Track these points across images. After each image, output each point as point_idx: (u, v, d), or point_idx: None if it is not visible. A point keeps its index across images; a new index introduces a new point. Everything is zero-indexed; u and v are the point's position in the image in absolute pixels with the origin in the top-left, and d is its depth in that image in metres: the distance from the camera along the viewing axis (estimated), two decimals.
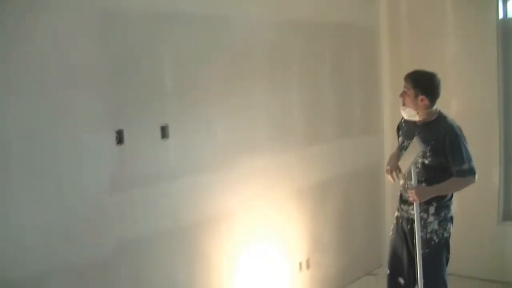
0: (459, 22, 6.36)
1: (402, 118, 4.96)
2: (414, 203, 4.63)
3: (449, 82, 5.99)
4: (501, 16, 6.16)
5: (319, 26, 5.98)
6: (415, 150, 4.53)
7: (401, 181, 4.87)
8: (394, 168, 4.88)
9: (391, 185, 5.06)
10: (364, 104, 6.64)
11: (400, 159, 4.84)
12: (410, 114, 4.73)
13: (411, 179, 4.63)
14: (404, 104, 4.74)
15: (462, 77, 6.28)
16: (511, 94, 6.24)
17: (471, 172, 4.61)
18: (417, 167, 4.66)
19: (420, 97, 4.64)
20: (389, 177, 4.94)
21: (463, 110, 6.17)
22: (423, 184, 4.65)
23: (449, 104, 6.10)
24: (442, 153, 4.61)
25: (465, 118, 5.87)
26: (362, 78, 6.62)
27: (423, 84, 4.67)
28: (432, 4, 6.56)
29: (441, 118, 4.71)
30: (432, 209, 4.67)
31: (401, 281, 4.93)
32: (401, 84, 4.80)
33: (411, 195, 4.61)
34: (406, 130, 4.91)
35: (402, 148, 4.87)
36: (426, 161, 4.65)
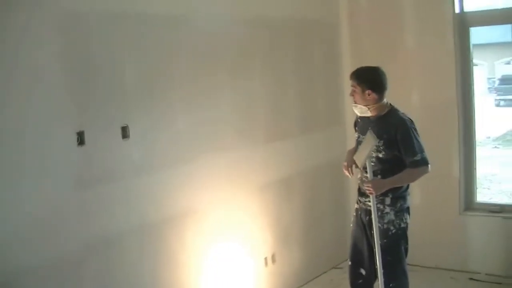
0: (417, 16, 6.46)
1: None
2: (371, 196, 4.74)
3: (409, 75, 6.11)
4: (457, 10, 6.26)
5: (281, 23, 6.06)
6: (369, 144, 4.63)
7: (359, 175, 4.96)
8: (350, 163, 4.99)
9: (354, 178, 5.16)
10: (327, 99, 6.72)
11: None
12: (362, 110, 4.84)
13: (367, 173, 4.73)
14: (355, 102, 4.85)
15: (421, 70, 6.38)
16: (469, 86, 6.34)
17: (423, 162, 4.71)
18: (372, 161, 4.75)
19: (367, 91, 4.74)
20: (346, 173, 5.05)
21: (423, 102, 6.29)
22: (379, 177, 4.75)
23: (409, 97, 6.23)
24: (395, 146, 4.71)
25: (425, 110, 6.05)
26: (324, 73, 6.70)
27: (367, 79, 4.77)
28: None
29: (392, 111, 4.82)
30: (388, 200, 4.77)
31: (363, 272, 5.01)
32: None
33: (368, 189, 4.72)
34: (361, 125, 5.01)
35: (358, 143, 4.96)
36: (380, 155, 4.74)
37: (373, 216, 4.73)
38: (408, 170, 4.73)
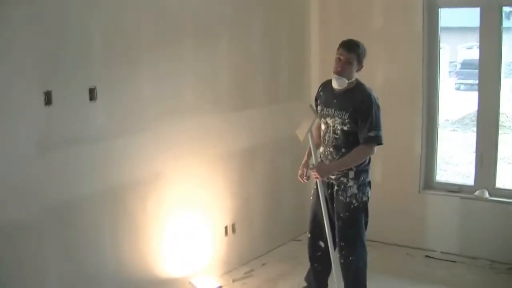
0: None
1: (320, 87, 5.10)
2: (317, 180, 4.86)
3: (376, 52, 6.09)
4: None
5: None
6: (310, 119, 4.74)
7: (321, 149, 5.02)
8: (303, 167, 5.13)
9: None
10: (292, 72, 6.73)
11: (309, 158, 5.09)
12: (341, 83, 4.81)
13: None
14: (339, 73, 4.78)
15: (388, 47, 6.41)
16: (435, 65, 6.39)
17: (375, 140, 4.75)
18: (337, 134, 4.82)
19: (360, 65, 4.79)
20: (300, 180, 5.17)
21: (388, 80, 6.34)
22: (343, 150, 4.80)
23: (375, 74, 6.25)
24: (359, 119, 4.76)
25: (390, 88, 6.11)
26: (291, 47, 6.70)
27: (363, 53, 4.81)
28: None
29: (359, 85, 4.84)
30: (351, 174, 4.82)
31: (322, 244, 5.08)
32: (329, 54, 4.91)
33: (314, 174, 4.83)
34: (324, 98, 4.99)
35: (321, 116, 4.97)
36: (345, 128, 4.78)
37: (321, 199, 4.89)
38: (357, 148, 4.77)
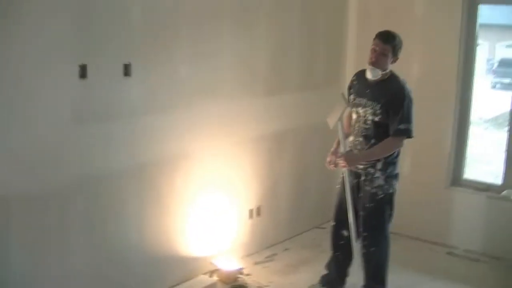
0: None
1: (354, 76, 5.10)
2: (345, 169, 4.86)
3: (413, 46, 6.05)
4: None
5: None
6: (340, 107, 4.74)
7: (351, 138, 5.01)
8: (332, 154, 5.07)
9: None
10: (328, 60, 6.73)
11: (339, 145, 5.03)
12: (375, 74, 4.81)
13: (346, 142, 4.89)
14: (374, 64, 4.79)
15: (425, 41, 6.36)
16: (471, 62, 6.34)
17: (405, 132, 4.73)
18: (367, 124, 4.82)
19: (395, 57, 4.79)
20: (329, 166, 5.13)
21: (423, 74, 6.30)
22: (373, 141, 4.80)
23: (410, 67, 6.22)
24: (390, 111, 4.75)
25: (424, 82, 6.06)
26: (328, 33, 6.69)
27: (399, 47, 4.79)
28: None
29: (393, 77, 4.84)
30: (379, 165, 4.82)
31: (345, 233, 5.08)
32: (366, 43, 4.90)
33: (341, 162, 4.82)
34: (357, 88, 5.00)
35: (353, 105, 4.98)
36: (377, 119, 4.78)
37: (346, 189, 4.88)
38: (387, 139, 4.76)
